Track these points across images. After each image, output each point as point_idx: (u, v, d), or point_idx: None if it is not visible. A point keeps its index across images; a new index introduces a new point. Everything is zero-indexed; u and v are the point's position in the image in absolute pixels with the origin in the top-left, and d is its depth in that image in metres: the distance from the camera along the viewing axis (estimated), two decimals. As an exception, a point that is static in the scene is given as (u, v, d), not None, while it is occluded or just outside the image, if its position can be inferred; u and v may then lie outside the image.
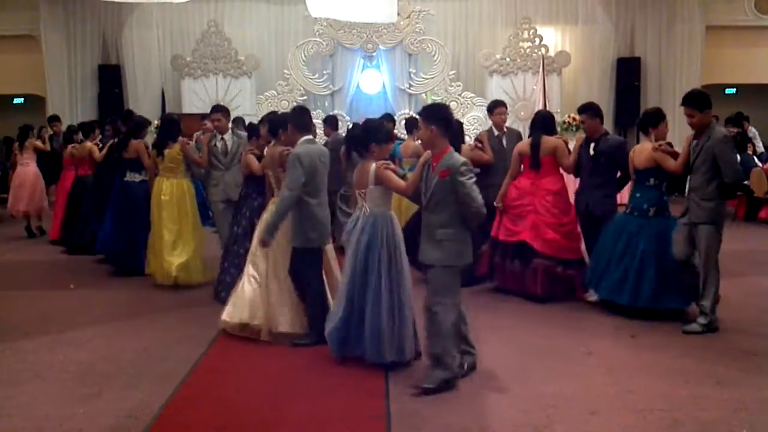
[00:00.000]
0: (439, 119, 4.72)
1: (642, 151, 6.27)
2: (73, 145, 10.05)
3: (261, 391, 4.77)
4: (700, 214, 5.81)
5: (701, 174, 5.79)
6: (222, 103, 14.23)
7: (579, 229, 6.98)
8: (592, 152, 6.85)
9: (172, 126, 7.86)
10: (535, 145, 6.89)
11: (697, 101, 5.84)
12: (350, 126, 9.92)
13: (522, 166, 7.06)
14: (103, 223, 8.60)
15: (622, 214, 6.47)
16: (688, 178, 6.02)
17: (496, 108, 7.95)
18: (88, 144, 9.72)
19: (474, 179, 4.67)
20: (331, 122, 10.23)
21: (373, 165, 5.11)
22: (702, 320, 5.84)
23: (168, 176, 7.68)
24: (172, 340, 5.83)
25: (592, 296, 6.69)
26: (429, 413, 4.35)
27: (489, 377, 4.94)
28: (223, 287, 6.80)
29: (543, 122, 7.09)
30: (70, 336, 6.02)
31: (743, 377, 4.90)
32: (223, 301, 6.39)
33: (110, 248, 8.46)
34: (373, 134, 5.26)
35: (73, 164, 10.01)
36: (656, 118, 6.35)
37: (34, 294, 7.64)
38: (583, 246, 6.98)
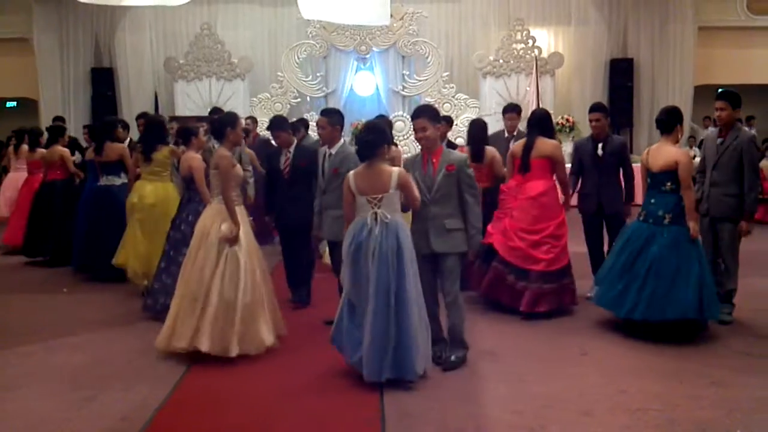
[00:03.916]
0: (439, 118, 5.15)
1: (659, 151, 5.85)
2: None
3: (256, 394, 4.75)
4: (723, 209, 6.07)
5: (726, 171, 6.05)
6: (216, 106, 14.31)
7: (561, 243, 6.48)
8: (600, 152, 6.83)
9: (160, 128, 7.65)
10: (528, 147, 6.56)
11: (732, 98, 6.13)
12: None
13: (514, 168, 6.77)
14: (76, 231, 8.44)
15: (636, 222, 6.02)
16: (710, 173, 6.16)
17: (506, 113, 7.84)
18: (59, 148, 9.27)
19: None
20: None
21: (396, 169, 4.87)
22: (726, 309, 6.12)
23: (152, 179, 7.40)
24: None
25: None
26: (423, 414, 4.35)
27: (483, 378, 4.95)
28: (150, 294, 6.60)
29: (539, 122, 6.65)
30: (65, 339, 6.00)
31: (738, 377, 4.91)
32: (151, 310, 6.42)
33: (87, 255, 8.13)
34: (384, 136, 4.97)
35: (42, 168, 9.75)
36: (682, 116, 6.05)
37: (27, 297, 7.62)
38: (564, 261, 6.49)
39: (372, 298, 4.69)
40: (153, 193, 7.34)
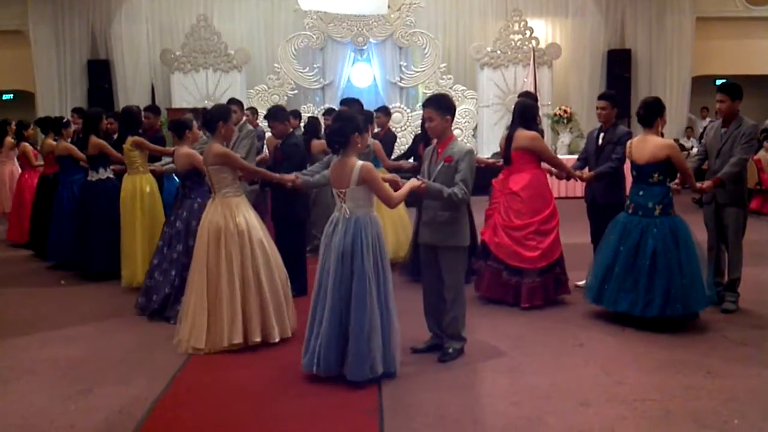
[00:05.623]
0: (451, 109, 5.03)
1: (644, 144, 5.80)
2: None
3: (254, 386, 4.75)
4: (727, 195, 6.10)
5: (728, 159, 6.03)
6: (212, 98, 14.32)
7: (549, 238, 6.39)
8: (600, 141, 6.73)
9: (131, 118, 7.49)
10: (508, 139, 6.48)
11: (732, 90, 6.09)
12: (308, 118, 9.39)
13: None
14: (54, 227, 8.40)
15: (624, 214, 5.96)
16: (714, 161, 6.17)
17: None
18: (47, 141, 9.11)
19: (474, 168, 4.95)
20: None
21: (359, 163, 4.59)
22: (731, 298, 6.22)
23: (130, 173, 7.37)
24: (163, 335, 5.78)
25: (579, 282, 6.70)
26: (421, 406, 4.35)
27: (481, 369, 4.95)
28: (143, 292, 6.51)
29: (520, 114, 6.48)
30: (62, 332, 6.01)
31: (733, 367, 4.92)
32: (145, 309, 6.35)
33: (72, 252, 8.03)
34: (352, 124, 4.66)
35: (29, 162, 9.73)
36: (662, 108, 5.94)
37: (24, 291, 7.61)
38: (555, 255, 6.45)
39: (329, 294, 4.61)
40: (129, 186, 7.34)
